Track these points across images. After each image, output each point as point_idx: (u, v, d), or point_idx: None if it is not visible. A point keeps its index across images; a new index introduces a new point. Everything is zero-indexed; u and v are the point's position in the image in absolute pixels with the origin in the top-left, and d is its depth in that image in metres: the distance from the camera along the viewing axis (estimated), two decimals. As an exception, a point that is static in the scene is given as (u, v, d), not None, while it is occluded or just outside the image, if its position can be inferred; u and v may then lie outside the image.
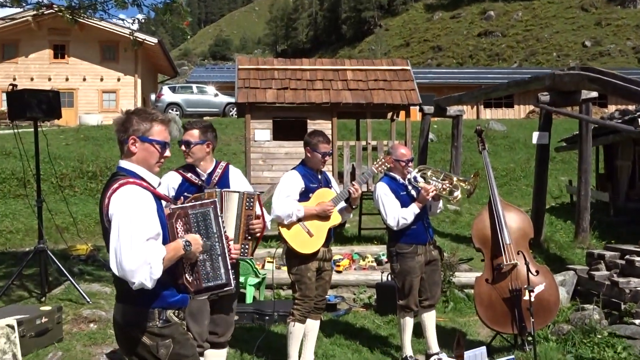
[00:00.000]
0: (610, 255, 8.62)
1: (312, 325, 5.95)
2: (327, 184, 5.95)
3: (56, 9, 7.98)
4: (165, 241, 3.24)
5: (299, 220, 5.68)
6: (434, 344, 6.36)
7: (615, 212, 14.55)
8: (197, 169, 5.02)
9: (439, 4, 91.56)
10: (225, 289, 3.45)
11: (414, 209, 6.12)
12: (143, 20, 10.50)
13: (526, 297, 6.19)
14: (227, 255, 3.45)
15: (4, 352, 5.67)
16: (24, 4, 7.89)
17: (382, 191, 6.21)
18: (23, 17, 28.04)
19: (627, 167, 15.93)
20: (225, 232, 3.49)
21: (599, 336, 6.59)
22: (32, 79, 33.13)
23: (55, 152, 19.05)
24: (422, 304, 6.32)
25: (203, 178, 5.00)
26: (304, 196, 5.76)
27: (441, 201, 6.43)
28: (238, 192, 4.72)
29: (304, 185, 5.76)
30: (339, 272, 9.46)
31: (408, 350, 6.32)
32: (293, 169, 5.94)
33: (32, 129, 7.83)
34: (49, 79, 33.46)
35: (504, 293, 6.42)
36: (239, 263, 5.33)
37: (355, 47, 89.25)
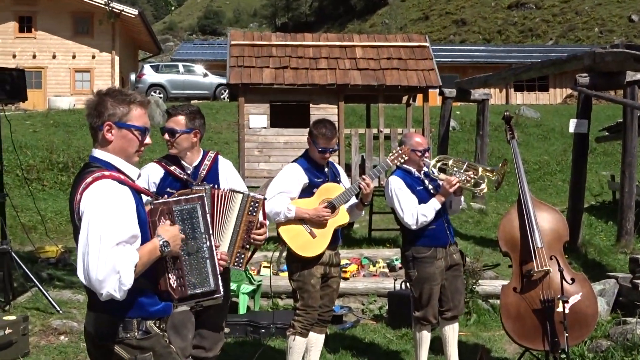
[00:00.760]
0: (657, 261, 8.64)
1: (316, 340, 5.97)
2: (335, 178, 5.95)
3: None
4: (146, 242, 3.26)
5: (300, 220, 5.68)
6: (455, 362, 6.39)
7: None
8: (182, 161, 4.98)
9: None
10: (213, 296, 3.46)
11: (434, 204, 6.12)
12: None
13: (560, 309, 6.20)
14: (215, 258, 3.46)
15: (-38, 368, 5.72)
16: None
17: (396, 185, 6.19)
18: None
19: (679, 160, 15.91)
20: (212, 235, 3.49)
21: (643, 354, 6.61)
22: (-7, 56, 33.23)
23: (20, 140, 19.11)
24: (444, 315, 6.32)
25: (189, 172, 4.96)
26: (308, 192, 5.77)
27: (463, 197, 6.43)
28: (243, 193, 4.71)
29: (307, 181, 5.76)
30: (345, 279, 9.48)
31: (424, 369, 6.35)
32: (294, 161, 5.93)
33: (-6, 114, 7.86)
34: (14, 56, 33.54)
35: (535, 304, 6.43)
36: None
37: (366, 21, 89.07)
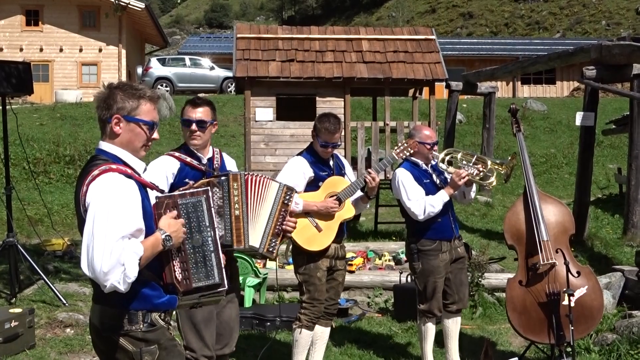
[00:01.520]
0: (664, 254, 8.61)
1: (321, 333, 5.97)
2: (340, 171, 5.95)
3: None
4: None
5: (306, 213, 5.68)
6: (455, 356, 6.38)
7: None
8: (197, 153, 4.92)
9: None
10: (217, 290, 3.47)
11: (443, 196, 6.11)
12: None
13: (565, 302, 6.19)
14: (220, 251, 3.46)
15: (-31, 360, 5.75)
16: None
17: (403, 177, 6.18)
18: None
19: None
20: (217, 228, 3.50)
21: (649, 347, 6.60)
22: (1, 49, 33.27)
23: (27, 133, 19.15)
24: (448, 308, 6.32)
25: (204, 162, 4.93)
26: (313, 185, 5.76)
27: (474, 186, 6.43)
28: (279, 182, 4.78)
29: (313, 174, 5.75)
30: (351, 272, 9.48)
31: (429, 362, 6.35)
32: (299, 154, 5.93)
33: (0, 107, 7.87)
34: (21, 49, 33.58)
35: (540, 297, 6.43)
36: (236, 260, 5.34)
37: (372, 14, 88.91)
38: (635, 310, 7.78)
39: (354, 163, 12.42)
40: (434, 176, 6.27)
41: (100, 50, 34.42)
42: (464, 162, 6.26)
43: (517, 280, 6.52)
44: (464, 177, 6.07)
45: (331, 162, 5.89)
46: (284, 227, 4.74)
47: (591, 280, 6.53)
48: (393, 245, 11.12)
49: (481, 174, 6.18)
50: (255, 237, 4.56)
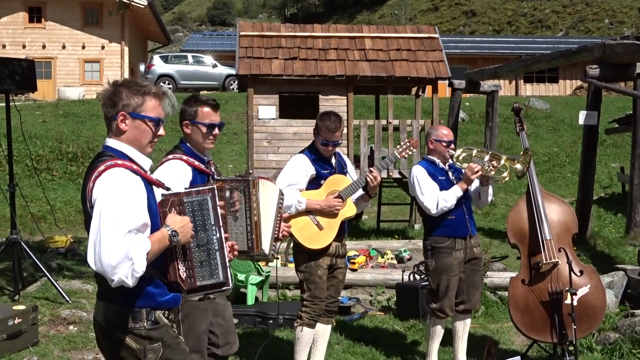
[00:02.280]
0: (666, 253, 8.61)
1: (323, 331, 5.98)
2: (342, 169, 5.95)
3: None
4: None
5: (308, 212, 5.69)
6: (462, 358, 6.39)
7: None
8: (200, 155, 4.69)
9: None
10: (222, 288, 3.47)
11: (456, 190, 6.13)
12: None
13: (568, 301, 6.20)
14: (225, 250, 3.47)
15: (-28, 357, 5.76)
16: None
17: (418, 173, 6.24)
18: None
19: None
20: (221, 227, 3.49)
21: (652, 346, 6.60)
22: (4, 46, 33.30)
23: (30, 130, 19.17)
24: (456, 307, 6.32)
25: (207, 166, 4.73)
26: (315, 184, 5.77)
27: (491, 188, 6.45)
28: (277, 186, 4.77)
29: (314, 172, 5.76)
30: (353, 270, 9.49)
31: (433, 361, 6.36)
32: (301, 152, 5.93)
33: (4, 104, 7.89)
34: (23, 46, 33.60)
35: (543, 296, 6.43)
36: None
37: (375, 12, 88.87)
38: (637, 310, 7.77)
39: (356, 161, 12.44)
40: (450, 174, 6.30)
41: (102, 47, 34.43)
42: (478, 158, 6.28)
43: (520, 279, 6.53)
44: (476, 172, 6.08)
45: (333, 160, 5.89)
46: (282, 231, 4.76)
47: (594, 279, 6.53)
48: (396, 244, 11.12)
49: (495, 169, 6.20)
50: (266, 242, 4.54)
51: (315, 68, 12.38)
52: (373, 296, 9.34)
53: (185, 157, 4.56)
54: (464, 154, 6.32)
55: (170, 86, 30.74)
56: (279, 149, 12.33)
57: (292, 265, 8.77)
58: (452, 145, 6.32)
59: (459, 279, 6.25)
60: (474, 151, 6.37)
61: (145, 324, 3.29)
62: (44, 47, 34.02)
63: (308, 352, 5.93)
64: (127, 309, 3.27)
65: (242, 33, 12.93)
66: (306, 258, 5.75)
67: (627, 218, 11.89)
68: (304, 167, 5.75)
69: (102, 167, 3.24)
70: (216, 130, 4.69)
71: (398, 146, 6.06)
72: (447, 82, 14.89)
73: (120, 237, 3.07)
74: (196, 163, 4.58)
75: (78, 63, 34.38)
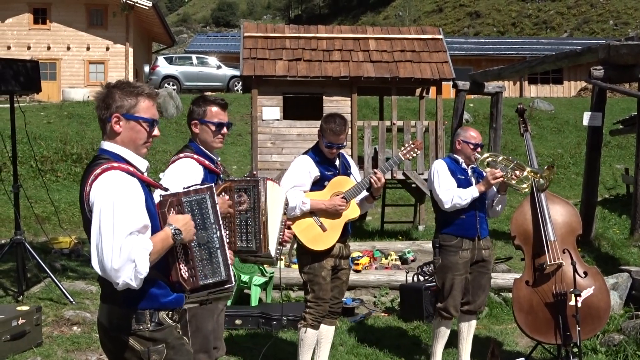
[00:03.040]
0: (671, 255, 8.59)
1: (326, 332, 5.98)
2: (346, 170, 5.94)
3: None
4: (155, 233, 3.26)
5: (311, 213, 5.68)
6: (466, 359, 6.38)
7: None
8: (209, 154, 4.73)
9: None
10: (224, 286, 3.47)
11: (472, 191, 6.11)
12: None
13: (572, 303, 6.19)
14: (226, 248, 3.46)
15: (-24, 358, 5.76)
16: None
17: (439, 167, 6.26)
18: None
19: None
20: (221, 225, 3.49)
21: (656, 348, 6.58)
22: (8, 48, 33.35)
23: (34, 132, 19.20)
24: (461, 308, 6.31)
25: (216, 166, 4.76)
26: (319, 185, 5.76)
27: (505, 200, 6.43)
28: (283, 189, 4.78)
29: (319, 173, 5.75)
30: (357, 271, 9.49)
31: (437, 362, 6.35)
32: (305, 153, 5.92)
33: (8, 105, 7.90)
34: (28, 48, 33.64)
35: (547, 297, 6.42)
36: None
37: (379, 13, 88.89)
38: (642, 311, 7.76)
39: (360, 162, 12.42)
40: (470, 174, 6.29)
41: (107, 48, 34.46)
42: (503, 165, 6.27)
43: (524, 280, 6.53)
44: (498, 177, 6.07)
45: (337, 162, 5.88)
46: (285, 236, 4.75)
47: (598, 281, 6.52)
48: (399, 245, 11.10)
49: (517, 179, 6.19)
50: (273, 243, 4.54)
51: (320, 69, 12.38)
52: (377, 297, 9.33)
53: (196, 156, 4.61)
54: (489, 159, 6.32)
55: (175, 87, 30.79)
56: (282, 150, 12.33)
57: (296, 267, 8.78)
58: (479, 149, 6.32)
59: (466, 280, 6.24)
60: (500, 157, 6.37)
61: (149, 325, 3.29)
62: (48, 48, 34.06)
63: (312, 354, 5.92)
64: (130, 311, 3.27)
65: (246, 34, 12.95)
66: (310, 259, 5.74)
67: (632, 219, 11.85)
68: (307, 169, 5.75)
69: (98, 170, 3.23)
70: (225, 130, 4.74)
71: (402, 148, 6.05)
72: (451, 83, 14.86)
73: (121, 240, 3.06)
74: (206, 162, 4.64)
75: (83, 64, 34.42)
